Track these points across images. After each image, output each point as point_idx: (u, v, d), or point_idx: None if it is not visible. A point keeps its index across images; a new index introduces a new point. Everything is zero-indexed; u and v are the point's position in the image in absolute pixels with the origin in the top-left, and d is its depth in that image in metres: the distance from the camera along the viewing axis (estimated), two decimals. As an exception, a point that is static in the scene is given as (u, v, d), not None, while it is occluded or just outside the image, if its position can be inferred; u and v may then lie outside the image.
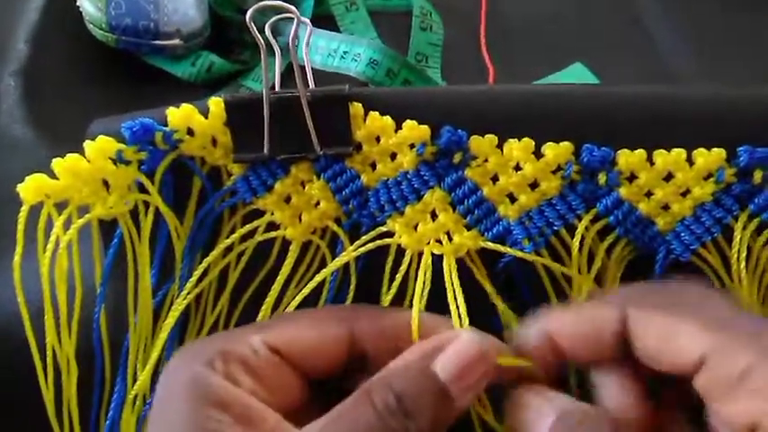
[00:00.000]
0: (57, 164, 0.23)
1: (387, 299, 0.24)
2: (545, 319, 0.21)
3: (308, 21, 0.24)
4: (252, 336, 0.20)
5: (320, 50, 0.35)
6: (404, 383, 0.18)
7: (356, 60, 0.34)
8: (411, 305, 0.23)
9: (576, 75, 0.38)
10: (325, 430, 0.18)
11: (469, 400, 0.19)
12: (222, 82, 0.37)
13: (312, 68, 0.25)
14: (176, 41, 0.35)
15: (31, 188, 0.23)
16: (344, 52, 0.35)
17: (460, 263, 0.24)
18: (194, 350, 0.20)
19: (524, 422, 0.20)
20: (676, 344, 0.18)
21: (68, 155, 0.23)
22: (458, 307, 0.23)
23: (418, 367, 0.19)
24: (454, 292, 0.23)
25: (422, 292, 0.23)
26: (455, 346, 0.20)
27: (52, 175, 0.23)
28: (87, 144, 0.23)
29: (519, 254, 0.23)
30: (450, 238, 0.24)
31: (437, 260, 0.24)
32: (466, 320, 0.22)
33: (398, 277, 0.23)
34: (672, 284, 0.22)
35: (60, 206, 0.23)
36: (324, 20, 0.40)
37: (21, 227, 0.23)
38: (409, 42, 0.39)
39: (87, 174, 0.23)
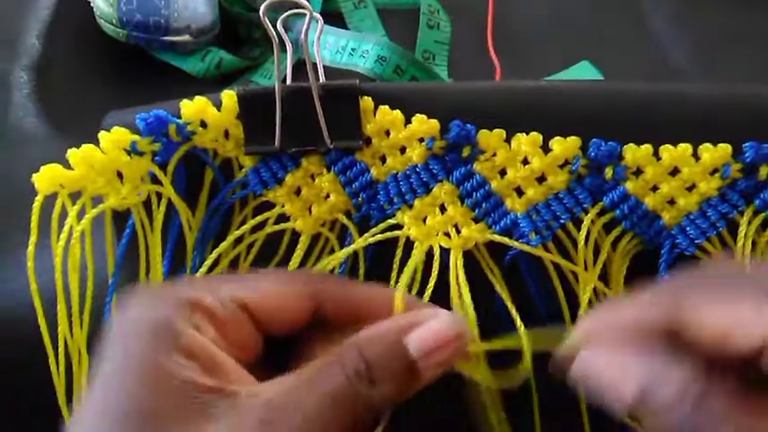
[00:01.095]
0: (72, 154, 0.23)
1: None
2: (587, 323, 0.20)
3: (319, 16, 0.24)
4: (220, 287, 0.20)
5: (329, 47, 0.36)
6: (375, 352, 0.19)
7: (364, 57, 0.35)
8: (417, 296, 0.23)
9: (583, 73, 0.38)
10: (295, 390, 0.18)
11: (434, 377, 0.20)
12: (231, 78, 0.38)
13: (322, 65, 0.25)
14: (186, 37, 0.36)
15: (45, 178, 0.23)
16: (353, 49, 0.35)
17: (467, 255, 0.24)
18: (158, 295, 0.19)
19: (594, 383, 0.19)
20: (739, 330, 0.17)
21: (83, 145, 0.23)
22: (461, 297, 0.23)
23: (392, 339, 0.19)
24: (458, 284, 0.23)
25: (429, 282, 0.23)
26: (432, 323, 0.20)
27: (65, 167, 0.23)
28: (102, 135, 0.23)
29: (525, 248, 0.24)
30: (458, 231, 0.24)
31: (444, 253, 0.24)
32: (471, 312, 0.22)
33: (407, 270, 0.24)
34: (718, 267, 0.21)
35: (74, 197, 0.23)
36: (332, 17, 0.40)
37: (35, 216, 0.23)
38: (416, 40, 0.39)
39: (101, 164, 0.23)
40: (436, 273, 0.24)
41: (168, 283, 0.24)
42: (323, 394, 0.18)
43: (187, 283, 0.22)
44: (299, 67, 0.25)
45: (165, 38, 0.35)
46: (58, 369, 0.24)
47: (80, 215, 0.23)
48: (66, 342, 0.24)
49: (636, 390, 0.18)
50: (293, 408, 0.17)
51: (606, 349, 0.19)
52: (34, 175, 0.23)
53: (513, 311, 0.24)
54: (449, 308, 0.24)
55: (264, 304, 0.20)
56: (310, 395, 0.18)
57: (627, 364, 0.18)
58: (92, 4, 0.35)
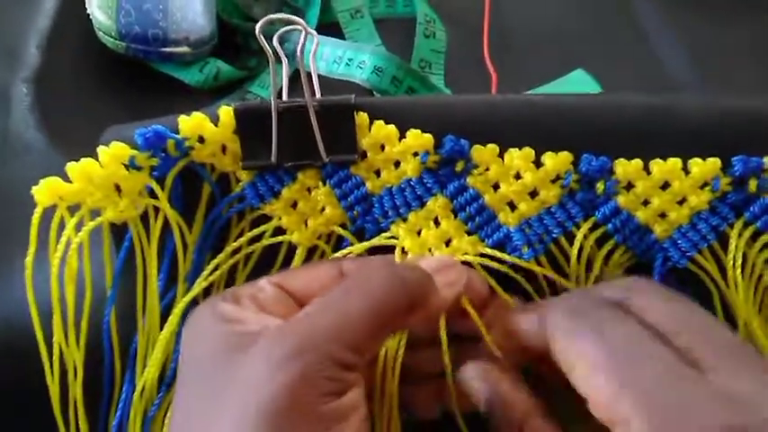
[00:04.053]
0: (71, 168, 0.23)
1: None
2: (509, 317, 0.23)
3: (315, 33, 0.24)
4: (257, 282, 0.23)
5: (325, 57, 0.36)
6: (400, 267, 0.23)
7: (361, 68, 0.35)
8: None
9: (578, 81, 0.38)
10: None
11: (451, 298, 0.22)
12: (229, 88, 0.38)
13: (318, 76, 0.25)
14: (184, 49, 0.36)
15: (44, 191, 0.23)
16: (349, 59, 0.35)
17: None
18: (208, 300, 0.23)
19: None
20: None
21: (82, 159, 0.23)
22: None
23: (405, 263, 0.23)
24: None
25: None
26: (434, 257, 0.24)
27: (64, 179, 0.24)
28: (101, 149, 0.24)
29: (517, 261, 0.24)
30: (449, 245, 0.24)
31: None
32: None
33: None
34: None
35: (72, 209, 0.24)
36: (329, 27, 0.40)
37: (34, 228, 0.23)
38: (413, 49, 0.40)
39: (100, 178, 0.23)
40: None
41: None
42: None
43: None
44: (296, 77, 0.25)
45: (164, 49, 0.36)
46: (52, 379, 0.24)
47: (78, 227, 0.24)
48: (61, 353, 0.24)
49: None
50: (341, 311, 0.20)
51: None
52: (33, 187, 0.23)
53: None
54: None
55: (297, 281, 0.23)
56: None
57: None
58: (91, 17, 0.36)
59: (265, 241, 0.25)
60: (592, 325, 0.20)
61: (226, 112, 0.24)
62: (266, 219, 0.25)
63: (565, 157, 0.24)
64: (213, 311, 0.21)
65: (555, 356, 0.20)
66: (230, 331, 0.20)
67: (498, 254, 0.24)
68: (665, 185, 0.24)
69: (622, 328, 0.19)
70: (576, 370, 0.19)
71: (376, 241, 0.25)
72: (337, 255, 0.25)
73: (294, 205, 0.25)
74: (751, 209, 0.24)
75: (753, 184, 0.24)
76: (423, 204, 0.24)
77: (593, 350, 0.19)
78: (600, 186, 0.24)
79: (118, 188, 0.24)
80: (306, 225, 0.25)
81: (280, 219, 0.25)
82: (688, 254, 0.24)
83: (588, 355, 0.19)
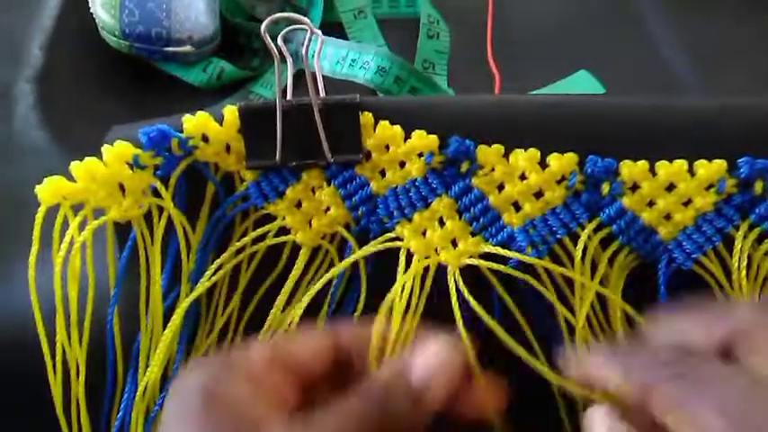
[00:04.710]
0: (75, 167, 0.23)
1: (397, 305, 0.24)
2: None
3: (319, 32, 0.24)
4: (250, 349, 0.22)
5: (329, 58, 0.36)
6: (384, 397, 0.21)
7: (365, 68, 0.35)
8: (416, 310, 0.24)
9: (581, 82, 0.38)
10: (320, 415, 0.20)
11: (440, 403, 0.21)
12: (232, 88, 0.38)
13: (321, 76, 0.25)
14: (188, 48, 0.36)
15: (48, 190, 0.23)
16: (353, 60, 0.35)
17: (468, 272, 0.24)
18: (200, 363, 0.22)
19: None
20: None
21: (86, 158, 0.23)
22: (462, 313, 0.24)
23: (397, 383, 0.21)
24: (458, 297, 0.24)
25: (416, 296, 0.24)
26: (427, 354, 0.22)
27: (68, 179, 0.23)
28: (105, 148, 0.23)
29: (521, 257, 0.24)
30: (455, 246, 0.24)
31: (443, 267, 0.24)
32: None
33: (405, 283, 0.24)
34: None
35: (76, 208, 0.24)
36: (332, 27, 0.40)
37: (37, 227, 0.23)
38: (416, 50, 0.40)
39: (104, 177, 0.23)
40: (429, 286, 0.24)
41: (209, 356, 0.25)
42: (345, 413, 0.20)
43: (221, 353, 0.24)
44: (300, 77, 0.25)
45: (167, 49, 0.36)
46: (55, 379, 0.24)
47: (81, 226, 0.24)
48: (63, 352, 0.24)
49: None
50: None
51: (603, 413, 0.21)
52: (37, 186, 0.23)
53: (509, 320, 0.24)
54: (449, 322, 0.24)
55: (291, 354, 0.22)
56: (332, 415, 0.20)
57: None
58: (95, 16, 0.36)
59: (269, 241, 0.25)
60: (707, 393, 0.18)
61: (230, 111, 0.24)
62: (270, 218, 0.25)
63: (570, 158, 0.24)
64: (202, 388, 0.20)
65: (655, 413, 0.19)
66: (223, 418, 0.19)
67: (501, 250, 0.24)
68: (671, 187, 0.24)
69: (738, 384, 0.18)
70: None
71: (380, 246, 0.24)
72: (341, 265, 0.25)
73: (298, 205, 0.25)
74: (756, 211, 0.24)
75: (759, 186, 0.24)
76: (427, 205, 0.24)
77: (718, 422, 0.17)
78: (605, 187, 0.24)
79: (122, 187, 0.24)
80: (310, 225, 0.25)
81: (284, 218, 0.25)
82: (693, 256, 0.24)
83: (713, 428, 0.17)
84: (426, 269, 0.24)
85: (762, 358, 0.18)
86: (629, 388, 0.19)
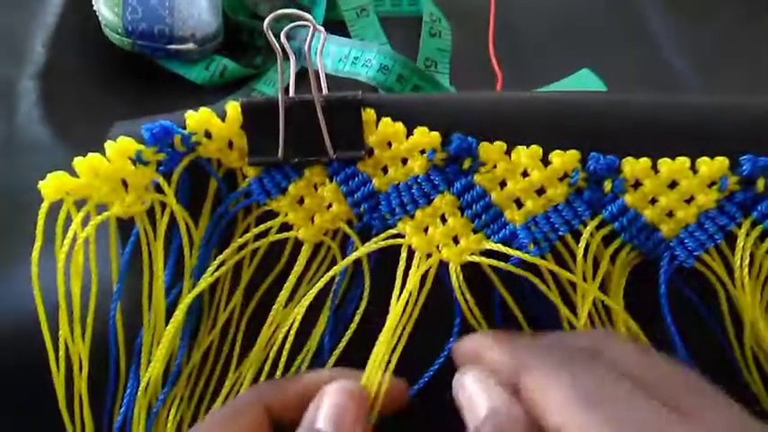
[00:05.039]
0: (78, 163, 0.23)
1: (397, 302, 0.24)
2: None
3: (322, 29, 0.24)
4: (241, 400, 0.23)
5: (331, 56, 0.36)
6: None
7: (367, 66, 0.35)
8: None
9: (583, 80, 0.38)
10: None
11: None
12: (234, 86, 0.38)
13: (324, 73, 0.25)
14: (191, 45, 0.36)
15: (51, 185, 0.23)
16: (355, 57, 0.35)
17: (470, 269, 0.24)
18: None
19: (460, 403, 0.21)
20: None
21: (90, 154, 0.23)
22: (470, 311, 0.24)
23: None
24: (463, 295, 0.24)
25: (413, 295, 0.24)
26: (328, 400, 0.22)
27: (71, 174, 0.24)
28: (108, 144, 0.24)
29: (522, 255, 0.24)
30: (457, 243, 0.24)
31: (445, 264, 0.24)
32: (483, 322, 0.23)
33: (409, 281, 0.24)
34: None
35: (79, 204, 0.24)
36: (334, 25, 0.40)
37: (40, 222, 0.23)
38: (418, 48, 0.40)
39: (107, 173, 0.23)
40: (430, 283, 0.24)
41: None
42: None
43: None
44: (303, 74, 0.25)
45: (170, 46, 0.36)
46: (58, 374, 0.24)
47: (84, 222, 0.24)
48: (66, 348, 0.24)
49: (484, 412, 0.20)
50: None
51: (473, 375, 0.22)
52: (40, 182, 0.23)
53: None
54: (450, 317, 0.24)
55: (283, 396, 0.23)
56: None
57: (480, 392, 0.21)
58: (98, 14, 0.36)
59: (271, 237, 0.25)
60: (568, 366, 0.19)
61: (233, 107, 0.24)
62: (272, 215, 0.25)
63: (572, 155, 0.24)
64: None
65: (523, 390, 0.20)
66: None
67: (503, 248, 0.24)
68: (673, 184, 0.24)
69: (598, 371, 0.19)
70: (547, 408, 0.19)
71: (382, 243, 0.24)
72: (343, 262, 0.25)
73: (300, 201, 0.25)
74: (759, 208, 0.24)
75: (761, 184, 0.24)
76: (430, 202, 0.24)
77: (570, 389, 0.18)
78: (607, 185, 0.24)
79: (125, 183, 0.24)
80: (312, 221, 0.25)
81: (286, 215, 0.25)
82: (695, 253, 0.24)
83: (563, 393, 0.18)
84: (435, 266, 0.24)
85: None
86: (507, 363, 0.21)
